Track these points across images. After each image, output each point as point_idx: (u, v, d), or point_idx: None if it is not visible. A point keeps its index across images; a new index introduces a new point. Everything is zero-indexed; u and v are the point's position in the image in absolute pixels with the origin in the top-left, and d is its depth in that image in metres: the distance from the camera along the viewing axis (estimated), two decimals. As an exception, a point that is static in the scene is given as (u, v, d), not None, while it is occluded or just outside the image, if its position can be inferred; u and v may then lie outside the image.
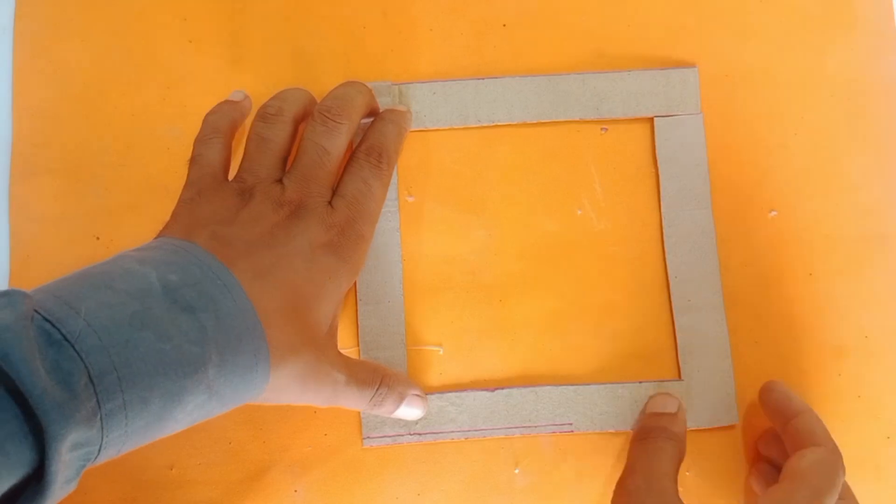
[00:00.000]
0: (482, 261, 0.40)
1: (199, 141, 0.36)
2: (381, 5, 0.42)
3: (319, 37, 0.41)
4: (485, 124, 0.40)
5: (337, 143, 0.35)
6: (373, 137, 0.37)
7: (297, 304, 0.32)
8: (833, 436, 0.34)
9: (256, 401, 0.31)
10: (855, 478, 0.36)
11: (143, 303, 0.27)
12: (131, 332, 0.26)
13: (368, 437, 0.38)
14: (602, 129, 0.41)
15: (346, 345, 0.39)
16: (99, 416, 0.25)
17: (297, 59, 0.41)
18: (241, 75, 0.41)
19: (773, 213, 0.41)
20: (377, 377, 0.35)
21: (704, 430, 0.39)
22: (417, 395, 0.37)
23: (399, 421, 0.38)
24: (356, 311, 0.39)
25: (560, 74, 0.41)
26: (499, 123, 0.40)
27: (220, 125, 0.36)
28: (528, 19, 0.42)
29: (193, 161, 0.35)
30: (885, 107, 0.42)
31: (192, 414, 0.29)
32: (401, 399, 0.36)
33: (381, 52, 0.41)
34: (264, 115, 0.36)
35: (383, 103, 0.40)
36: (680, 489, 0.34)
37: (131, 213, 0.40)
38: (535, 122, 0.41)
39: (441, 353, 0.39)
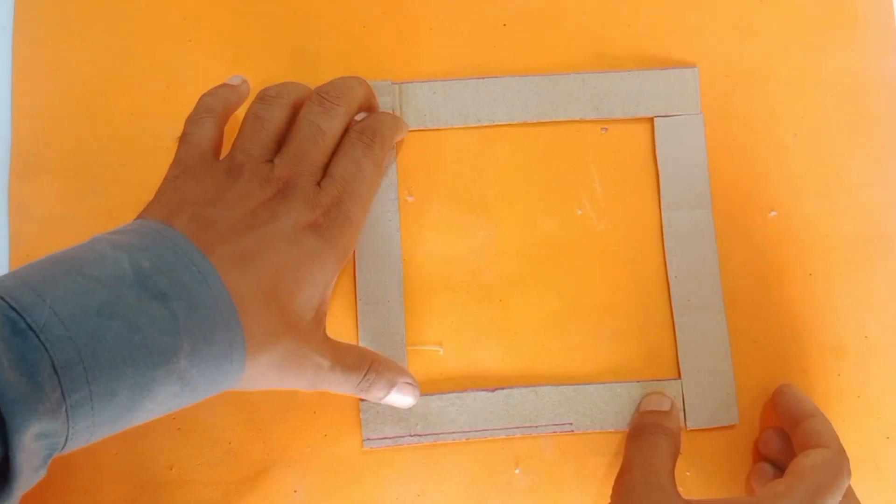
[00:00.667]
0: (482, 261, 0.40)
1: (190, 120, 0.35)
2: (381, 5, 0.42)
3: (319, 37, 0.41)
4: (485, 124, 0.40)
5: (333, 124, 0.34)
6: (367, 121, 0.37)
7: (278, 290, 0.31)
8: (833, 436, 0.35)
9: (235, 388, 0.31)
10: (855, 478, 0.35)
11: (114, 290, 0.27)
12: (99, 321, 0.26)
13: (368, 439, 0.38)
14: (602, 129, 0.41)
15: (346, 345, 0.39)
16: (64, 408, 0.25)
17: (297, 59, 0.41)
18: (241, 74, 0.41)
19: (773, 213, 0.41)
20: (365, 363, 0.35)
21: (704, 430, 0.39)
22: (409, 384, 0.37)
23: (399, 422, 0.38)
24: (356, 311, 0.39)
25: (560, 74, 0.41)
26: (499, 123, 0.40)
27: (212, 106, 0.35)
28: (528, 19, 0.42)
29: (182, 139, 0.34)
30: (885, 107, 0.42)
31: (164, 404, 0.28)
32: (390, 386, 0.36)
33: (381, 52, 0.41)
34: (264, 96, 0.35)
35: (383, 103, 0.40)
36: (680, 489, 0.34)
37: (131, 213, 0.39)
38: (535, 121, 0.41)
39: (441, 353, 0.39)
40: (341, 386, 0.35)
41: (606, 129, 0.41)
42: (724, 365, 0.39)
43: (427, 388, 0.39)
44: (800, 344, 0.40)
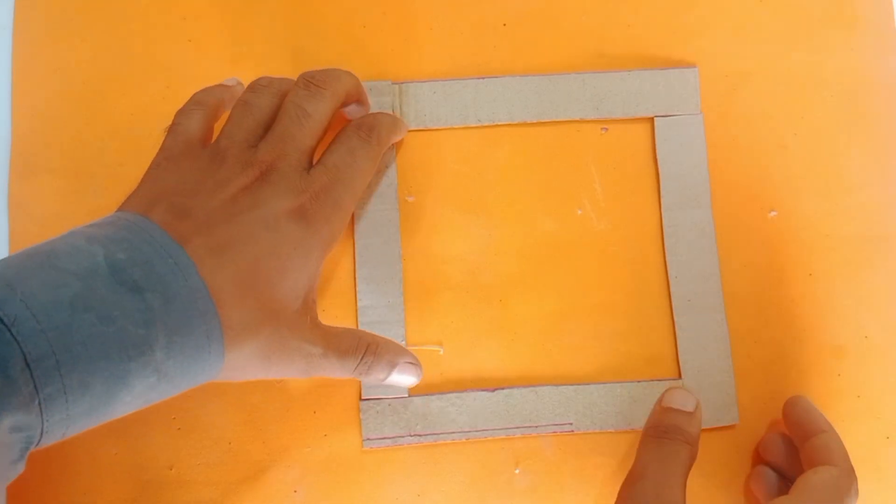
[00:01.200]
0: (482, 261, 0.40)
1: (180, 112, 0.35)
2: (381, 5, 0.42)
3: (319, 37, 0.41)
4: (485, 124, 0.40)
5: (318, 107, 0.34)
6: (365, 118, 0.37)
7: (257, 280, 0.30)
8: (833, 436, 0.35)
9: (217, 379, 0.31)
10: (856, 478, 0.36)
11: (87, 283, 0.26)
12: (72, 314, 0.26)
13: (368, 439, 0.38)
14: (602, 129, 0.41)
15: (346, 345, 0.39)
16: (37, 401, 0.25)
17: (297, 59, 0.41)
18: (241, 75, 0.40)
19: (773, 214, 0.41)
20: (361, 346, 0.35)
21: (704, 430, 0.39)
22: (410, 363, 0.36)
23: (399, 422, 0.38)
24: (356, 310, 0.39)
25: (560, 74, 0.41)
26: (499, 123, 0.41)
27: (203, 100, 0.35)
28: (528, 19, 0.42)
29: (170, 129, 0.34)
30: (885, 107, 0.42)
31: (142, 396, 0.28)
32: (391, 367, 0.36)
33: (381, 52, 0.41)
34: (254, 86, 0.35)
35: (383, 103, 0.40)
36: (680, 489, 0.34)
37: (131, 213, 0.40)
38: (535, 121, 0.41)
39: (441, 353, 0.39)
40: (337, 371, 0.34)
41: (606, 129, 0.41)
42: (724, 365, 0.39)
43: (427, 388, 0.39)
44: (800, 344, 0.40)
